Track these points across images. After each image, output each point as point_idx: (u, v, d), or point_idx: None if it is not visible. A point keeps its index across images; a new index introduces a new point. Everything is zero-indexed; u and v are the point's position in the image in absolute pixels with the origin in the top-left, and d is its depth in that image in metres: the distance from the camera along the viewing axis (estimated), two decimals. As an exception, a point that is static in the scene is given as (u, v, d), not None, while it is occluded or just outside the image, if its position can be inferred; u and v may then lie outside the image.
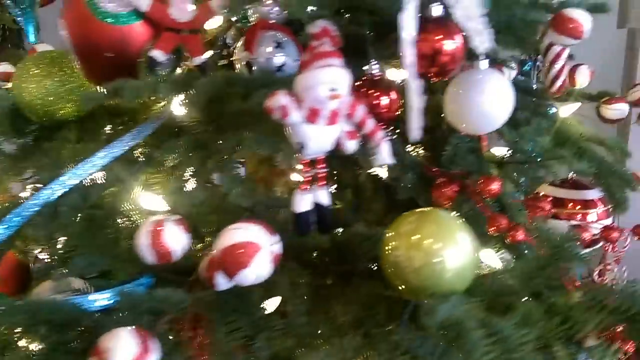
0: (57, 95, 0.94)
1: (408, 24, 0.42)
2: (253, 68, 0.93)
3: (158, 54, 0.81)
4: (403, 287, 0.66)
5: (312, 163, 0.71)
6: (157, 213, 0.86)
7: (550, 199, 1.19)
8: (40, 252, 0.84)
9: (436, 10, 0.67)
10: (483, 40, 0.56)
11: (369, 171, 1.16)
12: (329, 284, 0.80)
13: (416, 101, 0.66)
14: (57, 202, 0.79)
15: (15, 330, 0.64)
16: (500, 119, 0.82)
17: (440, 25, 0.68)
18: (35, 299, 0.76)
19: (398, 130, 1.17)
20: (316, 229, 0.74)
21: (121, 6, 0.79)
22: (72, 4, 0.83)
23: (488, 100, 0.79)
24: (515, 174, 1.16)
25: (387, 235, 0.68)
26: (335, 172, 1.14)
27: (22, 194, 0.90)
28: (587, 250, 1.10)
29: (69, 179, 0.81)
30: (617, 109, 1.27)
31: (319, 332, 0.75)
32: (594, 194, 1.15)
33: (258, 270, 0.61)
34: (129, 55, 0.81)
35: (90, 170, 0.81)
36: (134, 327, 0.56)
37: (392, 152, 0.88)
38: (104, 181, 0.82)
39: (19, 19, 1.18)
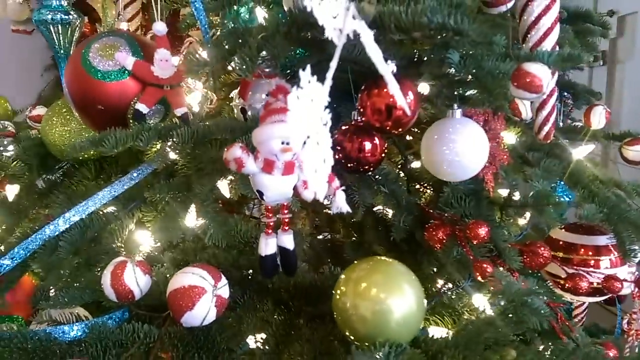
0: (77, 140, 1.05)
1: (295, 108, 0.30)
2: (248, 114, 0.98)
3: (142, 107, 0.89)
4: (351, 336, 0.68)
5: (276, 209, 0.75)
6: (149, 248, 0.93)
7: (560, 243, 1.16)
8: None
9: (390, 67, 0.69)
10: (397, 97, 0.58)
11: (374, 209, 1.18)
12: (300, 324, 0.83)
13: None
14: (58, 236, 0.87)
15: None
16: (474, 167, 0.82)
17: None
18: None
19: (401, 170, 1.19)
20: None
21: (111, 65, 0.88)
22: (71, 63, 0.93)
23: (460, 149, 0.79)
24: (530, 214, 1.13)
25: (339, 280, 0.70)
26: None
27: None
28: (589, 299, 1.04)
29: (73, 215, 0.90)
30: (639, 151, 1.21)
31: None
32: (606, 239, 1.09)
33: (202, 312, 0.65)
34: (121, 108, 0.90)
35: (91, 208, 0.89)
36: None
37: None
38: (102, 218, 0.90)
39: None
